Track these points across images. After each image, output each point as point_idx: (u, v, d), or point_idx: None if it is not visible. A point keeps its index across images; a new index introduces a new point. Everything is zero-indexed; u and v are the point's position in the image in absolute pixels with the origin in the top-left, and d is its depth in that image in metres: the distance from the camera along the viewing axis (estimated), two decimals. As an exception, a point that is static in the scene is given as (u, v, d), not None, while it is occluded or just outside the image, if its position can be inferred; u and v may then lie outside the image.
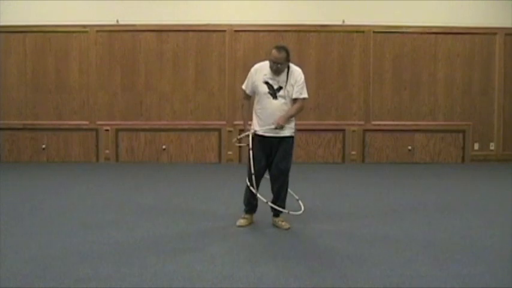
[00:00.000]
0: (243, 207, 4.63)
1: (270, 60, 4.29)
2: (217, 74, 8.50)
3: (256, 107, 4.46)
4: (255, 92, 4.44)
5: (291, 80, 4.34)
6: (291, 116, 4.37)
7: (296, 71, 4.39)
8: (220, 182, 6.88)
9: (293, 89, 4.34)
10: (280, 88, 4.33)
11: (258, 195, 4.38)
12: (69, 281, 3.22)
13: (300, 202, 4.63)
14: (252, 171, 4.28)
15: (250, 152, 4.30)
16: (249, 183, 4.41)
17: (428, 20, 8.46)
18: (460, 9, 8.50)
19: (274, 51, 4.26)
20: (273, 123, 4.29)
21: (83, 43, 8.43)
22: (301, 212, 4.54)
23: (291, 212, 4.42)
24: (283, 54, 4.26)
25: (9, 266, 3.47)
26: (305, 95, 4.40)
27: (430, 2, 8.47)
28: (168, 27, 8.38)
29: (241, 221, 4.56)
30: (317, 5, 8.44)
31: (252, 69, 4.46)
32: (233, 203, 5.42)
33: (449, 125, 8.59)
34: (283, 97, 4.33)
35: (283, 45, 4.37)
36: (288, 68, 4.35)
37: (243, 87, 4.52)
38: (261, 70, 4.38)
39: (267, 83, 4.34)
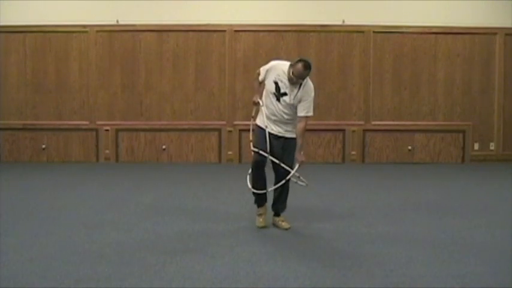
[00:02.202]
0: (249, 204, 4.57)
1: (292, 73, 4.20)
2: (217, 74, 8.50)
3: (264, 100, 4.45)
4: (265, 83, 4.43)
5: (300, 92, 4.29)
6: (302, 142, 4.37)
7: (309, 86, 4.34)
8: (220, 182, 6.87)
9: (299, 101, 4.30)
10: (285, 94, 4.30)
11: (269, 156, 4.30)
12: (69, 281, 3.22)
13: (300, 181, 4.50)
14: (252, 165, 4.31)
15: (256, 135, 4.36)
16: (256, 149, 4.34)
17: (428, 20, 8.46)
18: (460, 9, 8.50)
19: (300, 67, 4.17)
20: (296, 161, 4.31)
21: (83, 43, 8.43)
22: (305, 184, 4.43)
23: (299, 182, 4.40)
24: (308, 72, 4.22)
25: (9, 266, 3.47)
26: (311, 113, 4.36)
27: (430, 2, 8.47)
28: (168, 27, 8.38)
29: (260, 220, 4.49)
30: (317, 5, 8.44)
31: (271, 64, 4.42)
32: (233, 203, 5.43)
33: (449, 125, 8.59)
34: (286, 102, 4.31)
35: (309, 62, 4.26)
36: None
37: (261, 70, 4.46)
38: (277, 69, 4.35)
39: (276, 83, 4.32)
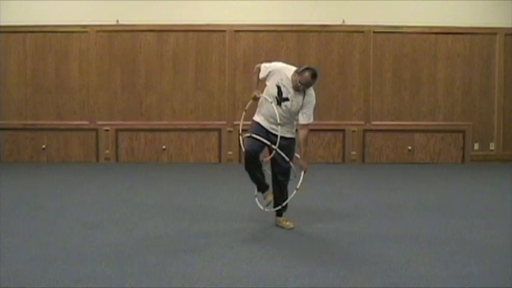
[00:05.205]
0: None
1: (299, 81, 4.19)
2: (217, 74, 8.49)
3: (263, 100, 4.41)
4: (266, 83, 4.40)
5: (303, 100, 4.29)
6: (306, 150, 4.40)
7: (312, 94, 4.34)
8: (220, 182, 6.87)
9: (300, 106, 4.30)
10: (286, 99, 4.29)
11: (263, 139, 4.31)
12: (69, 281, 3.22)
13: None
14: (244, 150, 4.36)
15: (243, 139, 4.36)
16: (249, 134, 4.35)
17: (428, 20, 8.46)
18: (460, 9, 8.50)
19: (308, 76, 4.16)
20: (301, 169, 4.38)
21: (83, 43, 8.43)
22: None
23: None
24: (315, 81, 4.22)
25: (9, 266, 3.47)
26: (312, 119, 4.38)
27: (430, 2, 8.47)
28: (168, 27, 8.37)
29: (269, 197, 4.46)
30: (317, 5, 8.44)
31: (274, 66, 4.38)
32: (233, 203, 5.42)
33: (449, 125, 8.59)
34: (287, 108, 4.31)
35: (316, 70, 4.24)
36: None
37: (261, 69, 4.41)
38: (280, 73, 4.32)
39: (278, 87, 4.30)
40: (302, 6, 8.40)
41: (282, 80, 4.30)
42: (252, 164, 4.36)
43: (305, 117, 4.35)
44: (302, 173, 4.40)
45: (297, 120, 4.43)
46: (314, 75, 4.19)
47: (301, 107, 4.32)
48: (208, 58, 8.47)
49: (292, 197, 4.51)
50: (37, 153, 8.48)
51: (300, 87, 4.23)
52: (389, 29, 8.46)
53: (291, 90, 4.28)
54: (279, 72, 4.33)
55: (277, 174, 4.44)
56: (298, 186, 4.40)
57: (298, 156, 4.48)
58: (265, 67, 4.41)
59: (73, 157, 8.47)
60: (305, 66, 4.25)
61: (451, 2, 8.49)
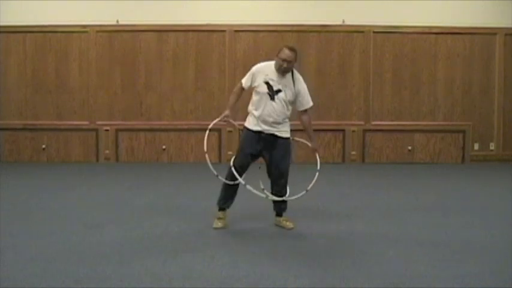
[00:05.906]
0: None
1: (280, 59, 4.24)
2: (217, 74, 8.49)
3: (252, 107, 4.44)
4: (254, 89, 4.42)
5: (295, 87, 4.32)
6: (312, 132, 4.54)
7: (300, 78, 4.38)
8: (220, 182, 6.84)
9: (293, 94, 4.32)
10: (279, 91, 4.31)
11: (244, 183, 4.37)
12: (69, 281, 3.22)
13: (266, 191, 4.53)
14: (231, 163, 4.51)
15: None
16: (227, 177, 4.45)
17: (428, 20, 8.46)
18: (460, 9, 8.50)
19: (286, 50, 4.23)
20: (313, 151, 4.59)
21: (83, 43, 8.43)
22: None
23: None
24: (295, 54, 4.26)
25: (9, 266, 3.47)
26: (311, 102, 4.44)
27: (430, 2, 8.47)
28: (168, 27, 8.38)
29: (218, 223, 4.48)
30: (317, 5, 8.44)
31: (254, 68, 4.42)
32: (233, 203, 5.41)
33: (449, 125, 8.59)
34: (281, 100, 4.32)
35: (294, 46, 4.36)
36: (292, 72, 4.34)
37: (243, 81, 4.45)
38: (263, 71, 4.36)
39: (267, 83, 4.32)
40: (302, 6, 8.40)
41: (267, 75, 4.33)
42: (238, 175, 4.46)
43: (304, 104, 4.41)
44: (317, 154, 4.59)
45: (289, 111, 4.41)
46: (291, 49, 4.27)
47: (296, 96, 4.34)
48: (208, 58, 8.47)
49: (292, 195, 4.52)
50: (37, 153, 8.48)
51: (284, 65, 4.23)
52: (389, 29, 8.46)
53: (280, 81, 4.30)
54: (262, 70, 4.37)
55: (273, 177, 4.45)
56: (318, 168, 4.58)
57: (298, 139, 4.62)
58: (246, 78, 4.44)
59: (73, 157, 8.48)
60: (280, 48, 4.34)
61: (451, 2, 8.49)
